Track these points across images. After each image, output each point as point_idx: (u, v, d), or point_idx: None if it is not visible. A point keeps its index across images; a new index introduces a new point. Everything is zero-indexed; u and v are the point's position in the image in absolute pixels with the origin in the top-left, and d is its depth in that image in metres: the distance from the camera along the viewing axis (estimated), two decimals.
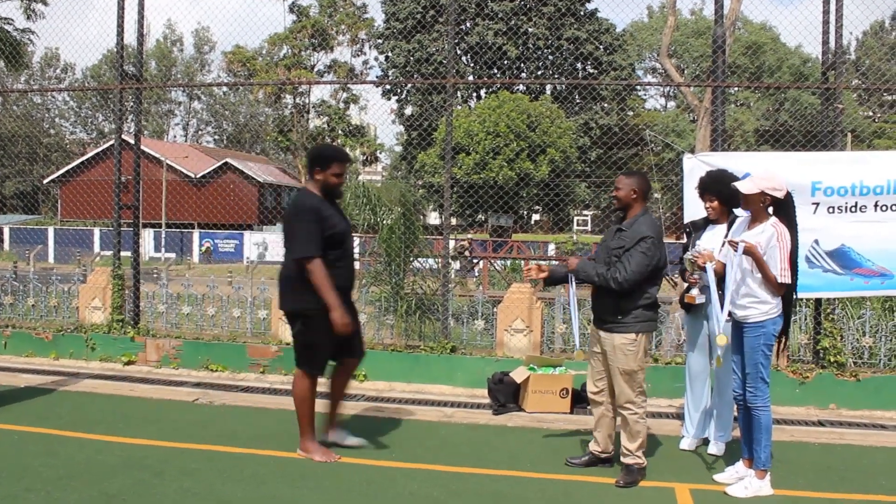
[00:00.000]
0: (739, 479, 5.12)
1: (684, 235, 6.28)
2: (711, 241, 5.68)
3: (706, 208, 5.88)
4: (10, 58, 21.99)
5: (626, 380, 5.23)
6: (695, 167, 7.58)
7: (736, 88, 39.87)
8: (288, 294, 5.58)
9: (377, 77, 50.05)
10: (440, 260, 8.94)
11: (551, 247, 29.18)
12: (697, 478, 5.36)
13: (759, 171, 5.51)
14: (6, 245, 37.58)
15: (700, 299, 5.57)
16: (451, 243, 9.08)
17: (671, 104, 56.69)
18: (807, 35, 8.19)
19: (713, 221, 5.87)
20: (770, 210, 5.06)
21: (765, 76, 43.55)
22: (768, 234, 4.95)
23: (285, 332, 8.82)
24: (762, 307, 4.97)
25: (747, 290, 5.00)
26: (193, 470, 5.35)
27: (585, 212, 42.07)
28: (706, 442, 6.07)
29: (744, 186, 5.06)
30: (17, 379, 8.27)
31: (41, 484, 4.98)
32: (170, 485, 5.04)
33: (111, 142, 26.75)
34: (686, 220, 7.52)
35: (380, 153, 55.61)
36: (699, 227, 5.99)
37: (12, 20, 22.88)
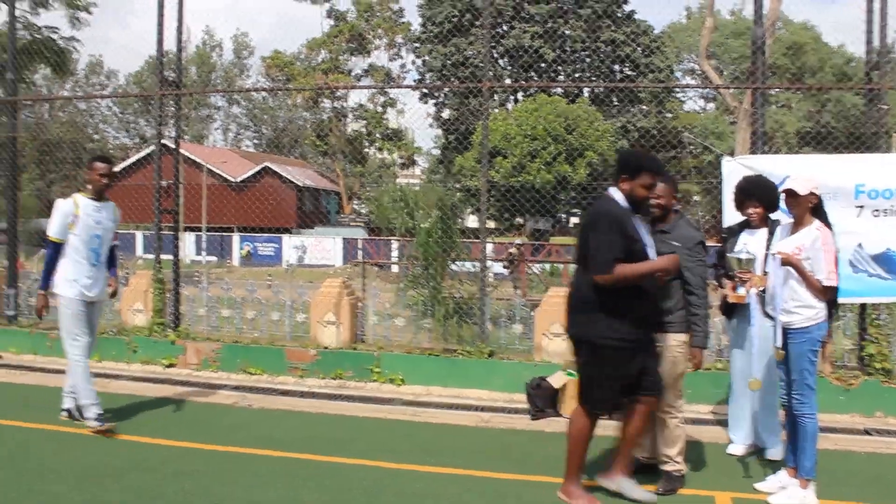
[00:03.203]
0: (782, 488, 5.03)
1: (721, 241, 6.18)
2: (752, 245, 5.58)
3: (750, 213, 5.76)
4: (57, 65, 22.44)
5: (670, 384, 5.15)
6: (734, 170, 7.48)
7: (776, 90, 39.35)
8: (578, 317, 4.92)
9: (414, 81, 50.16)
10: (478, 263, 8.93)
11: None
12: (739, 486, 5.27)
13: (796, 173, 5.41)
14: None
15: (749, 298, 5.39)
16: (490, 247, 9.04)
17: (710, 106, 56.06)
18: (849, 34, 8.13)
19: (752, 226, 5.77)
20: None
21: (806, 77, 42.89)
22: (812, 237, 4.88)
23: (324, 336, 8.88)
24: (807, 312, 4.88)
25: (792, 293, 4.91)
26: (230, 473, 5.39)
27: None
28: (756, 448, 5.98)
29: (798, 187, 4.95)
30: (62, 380, 8.39)
31: (81, 483, 5.06)
32: (207, 487, 5.08)
33: (152, 147, 27.17)
34: (725, 222, 7.43)
35: (417, 157, 55.77)
36: (735, 231, 5.90)
37: (58, 29, 23.33)
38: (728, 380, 6.49)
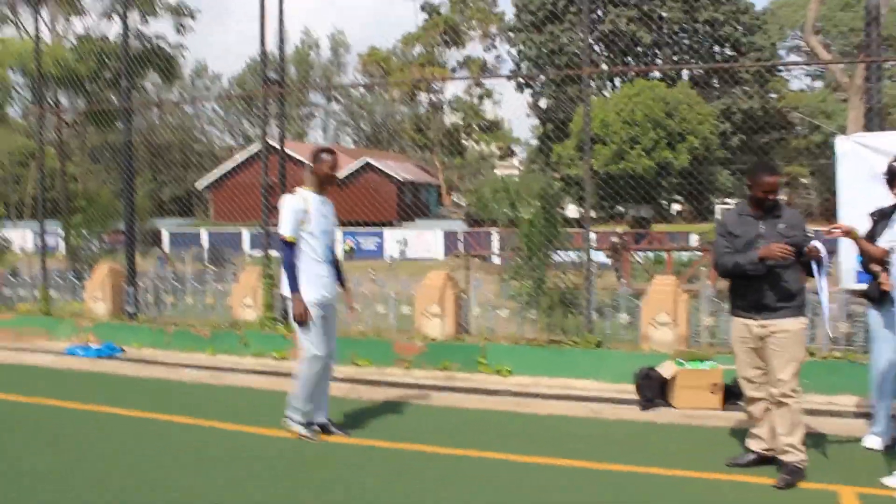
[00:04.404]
0: None
1: (871, 223, 5.84)
2: None
3: None
4: (165, 72, 23.43)
5: (795, 367, 5.03)
6: (850, 150, 7.18)
7: (892, 63, 37.45)
8: None
9: (510, 71, 50.02)
10: (580, 253, 8.85)
11: (693, 237, 28.35)
12: (863, 481, 5.03)
13: None
14: (166, 247, 39.87)
15: None
16: (592, 236, 8.94)
17: (818, 84, 53.86)
18: None
19: None
20: None
21: None
22: None
23: (428, 328, 8.96)
24: None
25: None
26: (351, 464, 5.52)
27: (728, 200, 40.57)
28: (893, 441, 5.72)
29: None
30: (180, 374, 8.78)
31: (203, 472, 5.28)
32: (322, 475, 5.22)
33: (256, 146, 27.94)
34: (841, 205, 7.14)
35: (515, 147, 55.67)
36: (887, 214, 5.57)
37: (165, 36, 24.36)
38: (851, 370, 6.21)
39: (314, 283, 5.95)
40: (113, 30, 23.79)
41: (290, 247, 5.90)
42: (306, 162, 6.08)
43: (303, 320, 5.89)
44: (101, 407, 7.20)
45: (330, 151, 6.14)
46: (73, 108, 20.43)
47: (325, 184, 6.06)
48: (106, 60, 20.60)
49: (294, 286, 5.91)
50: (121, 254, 12.55)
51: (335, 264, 6.23)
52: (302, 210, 5.87)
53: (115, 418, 6.87)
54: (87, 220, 14.15)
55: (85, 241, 14.40)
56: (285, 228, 5.86)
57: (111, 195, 15.52)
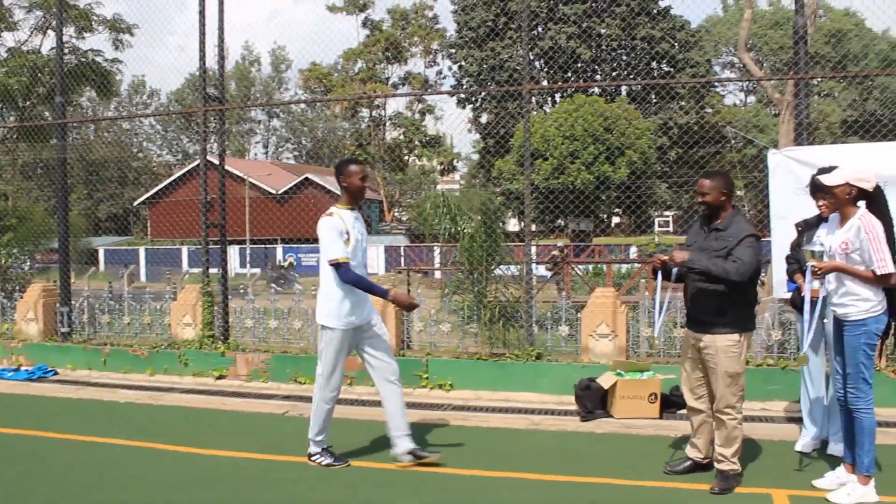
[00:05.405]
0: (841, 484, 4.93)
1: (797, 233, 6.00)
2: (827, 239, 5.47)
3: (819, 206, 5.64)
4: (101, 87, 22.97)
5: (728, 383, 5.09)
6: (780, 163, 7.39)
7: (819, 79, 38.68)
8: None
9: (451, 87, 50.28)
10: (523, 266, 8.91)
11: (633, 249, 28.79)
12: (796, 484, 5.17)
13: (844, 163, 5.30)
14: (101, 266, 39.03)
15: (823, 292, 5.26)
16: (533, 249, 9.02)
17: (751, 99, 55.31)
18: (895, 18, 7.88)
19: (826, 219, 5.65)
20: (861, 203, 4.87)
21: (850, 65, 42.04)
22: (855, 228, 4.76)
23: None
24: (863, 305, 4.77)
25: (845, 288, 4.82)
26: (289, 480, 5.46)
27: (667, 213, 41.33)
28: (825, 443, 5.87)
29: (828, 179, 4.88)
30: (117, 394, 8.59)
31: (142, 496, 5.15)
32: (267, 494, 5.15)
33: (196, 163, 27.62)
34: (773, 217, 7.33)
35: (457, 162, 55.89)
36: (812, 224, 5.74)
37: (103, 52, 23.82)
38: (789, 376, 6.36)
39: (344, 307, 5.61)
40: (46, 44, 23.30)
41: (345, 266, 5.52)
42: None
43: (413, 303, 5.94)
44: (33, 431, 6.99)
45: (357, 162, 5.86)
46: (2, 124, 19.90)
47: (358, 198, 5.78)
48: (39, 75, 20.17)
49: (378, 291, 5.67)
50: (54, 273, 12.24)
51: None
52: (342, 231, 5.55)
53: (47, 442, 6.68)
54: (17, 238, 13.76)
55: (15, 261, 14.02)
56: (336, 251, 5.51)
57: (44, 213, 15.15)
